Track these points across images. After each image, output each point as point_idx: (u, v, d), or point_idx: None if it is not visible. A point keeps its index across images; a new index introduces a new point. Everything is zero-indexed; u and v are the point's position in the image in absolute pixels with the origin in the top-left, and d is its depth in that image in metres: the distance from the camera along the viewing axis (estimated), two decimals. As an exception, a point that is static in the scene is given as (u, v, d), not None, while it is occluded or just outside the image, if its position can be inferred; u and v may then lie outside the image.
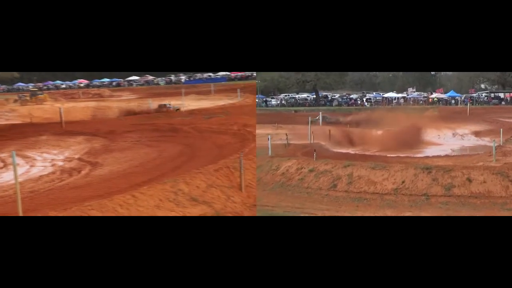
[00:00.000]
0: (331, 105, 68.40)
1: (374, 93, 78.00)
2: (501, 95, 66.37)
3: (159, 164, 18.41)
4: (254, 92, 55.17)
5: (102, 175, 17.86)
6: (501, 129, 29.27)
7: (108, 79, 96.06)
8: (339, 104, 69.22)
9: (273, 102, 72.99)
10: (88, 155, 22.68)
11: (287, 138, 30.07)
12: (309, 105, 68.50)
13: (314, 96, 74.00)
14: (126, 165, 19.43)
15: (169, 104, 43.18)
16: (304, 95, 76.33)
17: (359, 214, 15.74)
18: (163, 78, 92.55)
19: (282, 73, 70.37)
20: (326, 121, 46.48)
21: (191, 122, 29.20)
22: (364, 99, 71.02)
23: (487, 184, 17.14)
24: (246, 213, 13.35)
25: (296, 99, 74.03)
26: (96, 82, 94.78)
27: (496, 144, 23.13)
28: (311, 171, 20.03)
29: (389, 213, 15.84)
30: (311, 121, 35.99)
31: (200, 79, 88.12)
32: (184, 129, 26.53)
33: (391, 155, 26.87)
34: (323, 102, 70.39)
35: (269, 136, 26.53)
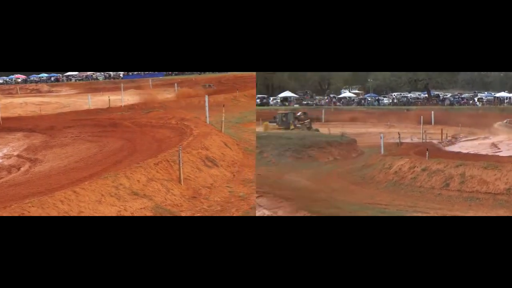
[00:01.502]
0: (443, 104, 68.70)
1: (486, 92, 77.41)
2: None
3: (100, 159, 18.50)
4: (191, 86, 55.51)
5: (42, 172, 17.85)
6: None
7: (46, 74, 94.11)
8: (451, 104, 69.57)
9: (385, 101, 73.82)
10: (27, 152, 22.56)
11: (399, 137, 30.70)
12: (421, 104, 68.54)
13: (426, 95, 74.24)
14: (66, 161, 19.45)
15: (211, 85, 54.01)
16: (416, 94, 76.48)
17: (471, 213, 15.99)
18: (102, 73, 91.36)
19: (394, 72, 69.77)
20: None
21: (130, 116, 29.19)
22: (476, 99, 71.00)
23: None
24: (186, 205, 13.70)
25: (408, 98, 74.18)
26: (34, 77, 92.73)
27: None
28: (423, 170, 20.19)
29: (502, 212, 16.01)
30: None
31: (138, 74, 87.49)
32: (124, 123, 26.55)
33: (504, 155, 27.02)
34: (435, 101, 70.48)
35: (382, 135, 27.07)
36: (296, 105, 67.70)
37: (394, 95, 76.64)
